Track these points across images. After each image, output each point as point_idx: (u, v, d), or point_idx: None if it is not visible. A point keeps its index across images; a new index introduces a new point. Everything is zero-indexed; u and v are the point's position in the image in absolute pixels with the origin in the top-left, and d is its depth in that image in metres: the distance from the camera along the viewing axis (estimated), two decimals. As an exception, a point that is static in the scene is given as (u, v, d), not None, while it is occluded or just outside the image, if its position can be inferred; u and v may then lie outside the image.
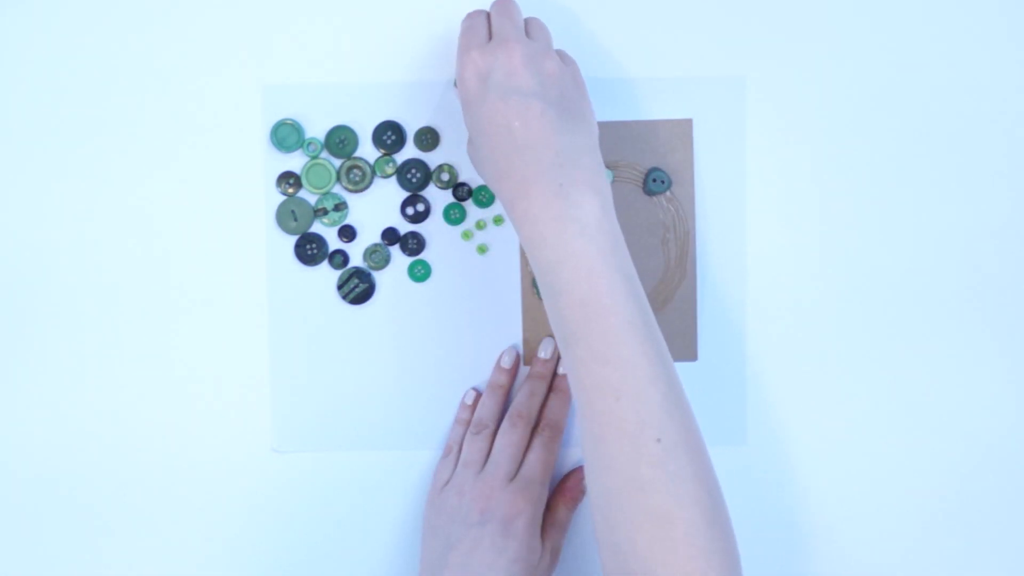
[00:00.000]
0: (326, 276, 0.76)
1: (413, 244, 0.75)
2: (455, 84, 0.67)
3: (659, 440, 0.60)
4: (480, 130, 0.65)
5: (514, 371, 0.76)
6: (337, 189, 0.75)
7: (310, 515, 0.77)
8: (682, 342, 0.75)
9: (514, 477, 0.72)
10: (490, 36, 0.67)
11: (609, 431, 0.61)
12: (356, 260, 0.75)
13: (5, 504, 0.76)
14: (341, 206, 0.75)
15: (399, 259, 0.76)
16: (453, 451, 0.75)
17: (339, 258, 0.75)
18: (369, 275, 0.75)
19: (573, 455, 0.76)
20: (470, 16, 0.69)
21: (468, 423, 0.75)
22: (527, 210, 0.63)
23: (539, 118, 0.64)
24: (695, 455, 0.61)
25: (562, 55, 0.70)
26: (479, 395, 0.76)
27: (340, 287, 0.75)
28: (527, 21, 0.69)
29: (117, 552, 0.77)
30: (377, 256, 0.75)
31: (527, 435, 0.74)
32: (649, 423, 0.60)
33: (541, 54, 0.66)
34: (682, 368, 0.75)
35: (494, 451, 0.73)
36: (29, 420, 0.76)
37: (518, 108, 0.64)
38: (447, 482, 0.73)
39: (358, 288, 0.75)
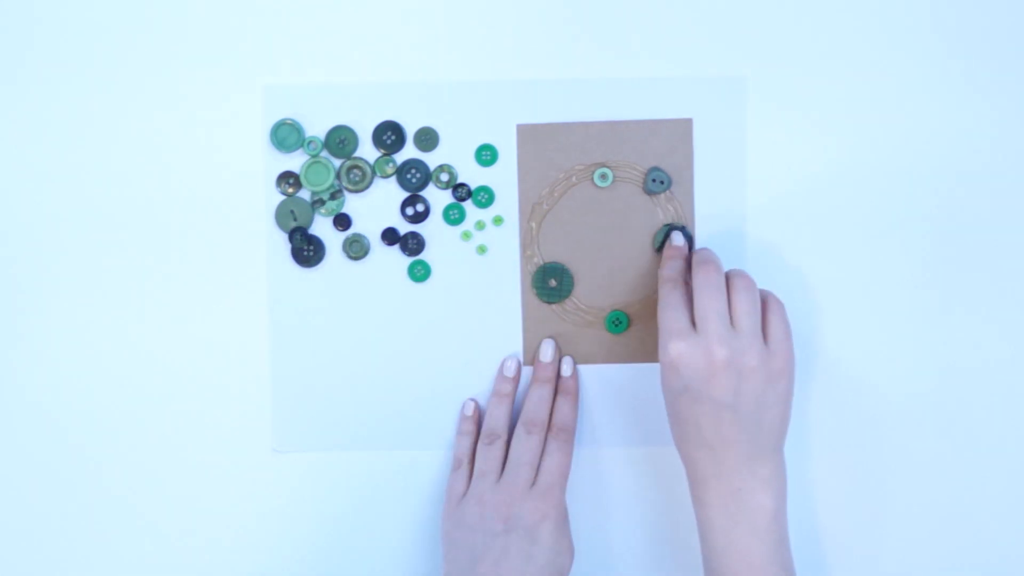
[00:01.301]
0: (326, 276, 0.76)
1: (413, 244, 0.75)
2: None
3: None
4: (671, 411, 0.67)
5: (517, 378, 0.76)
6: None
7: (310, 515, 0.77)
8: (682, 342, 0.75)
9: (533, 483, 0.72)
10: (691, 314, 0.66)
11: None
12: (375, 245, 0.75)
13: (5, 504, 0.76)
14: (337, 194, 0.75)
15: (399, 259, 0.76)
16: (463, 463, 0.75)
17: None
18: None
19: (586, 455, 0.76)
20: (668, 287, 0.68)
21: (472, 434, 0.75)
22: (703, 497, 0.67)
23: (728, 428, 0.65)
24: None
25: (769, 307, 0.68)
26: (477, 405, 0.76)
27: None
28: (730, 279, 0.67)
29: (117, 552, 0.77)
30: (356, 247, 0.75)
31: (541, 442, 0.74)
32: None
33: (744, 349, 0.65)
34: (682, 368, 0.75)
35: (511, 459, 0.73)
36: (28, 420, 0.76)
37: (709, 414, 0.65)
38: (463, 494, 0.73)
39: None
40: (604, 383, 0.76)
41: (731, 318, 0.66)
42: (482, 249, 0.76)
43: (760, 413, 0.66)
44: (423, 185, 0.75)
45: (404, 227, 0.75)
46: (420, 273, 0.75)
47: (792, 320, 0.75)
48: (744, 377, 0.65)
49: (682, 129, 0.75)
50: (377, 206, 0.75)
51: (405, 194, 0.75)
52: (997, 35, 0.74)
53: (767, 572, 0.65)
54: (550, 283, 0.76)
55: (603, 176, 0.75)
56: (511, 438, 0.74)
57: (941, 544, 0.76)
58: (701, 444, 0.66)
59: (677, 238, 0.73)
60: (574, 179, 0.75)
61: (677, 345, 0.65)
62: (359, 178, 0.75)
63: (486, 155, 0.75)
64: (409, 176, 0.75)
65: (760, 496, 0.66)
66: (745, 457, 0.66)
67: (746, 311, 0.66)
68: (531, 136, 0.75)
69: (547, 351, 0.75)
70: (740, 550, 0.66)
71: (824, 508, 0.76)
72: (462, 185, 0.75)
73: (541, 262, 0.76)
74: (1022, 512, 0.76)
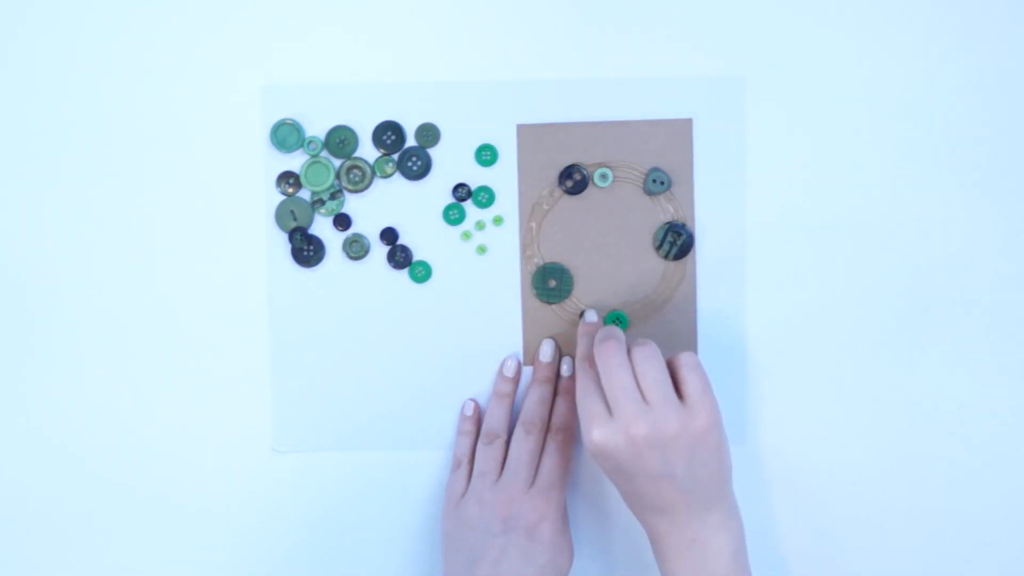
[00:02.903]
0: (326, 276, 0.76)
1: (401, 257, 0.75)
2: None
3: None
4: (614, 484, 0.68)
5: (517, 378, 0.76)
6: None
7: (310, 515, 0.77)
8: (682, 342, 0.75)
9: (533, 483, 0.72)
10: (606, 400, 0.66)
11: None
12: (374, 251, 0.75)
13: (5, 504, 0.76)
14: (337, 194, 0.75)
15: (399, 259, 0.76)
16: (463, 464, 0.75)
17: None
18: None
19: (586, 455, 0.76)
20: (582, 370, 0.69)
21: (471, 434, 0.75)
22: (663, 552, 0.68)
23: (668, 492, 0.66)
24: None
25: (680, 366, 0.67)
26: (477, 405, 0.76)
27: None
28: (632, 351, 0.67)
29: (117, 552, 0.77)
30: (356, 247, 0.75)
31: (541, 440, 0.74)
32: None
33: (662, 420, 0.65)
34: (682, 368, 0.75)
35: (510, 459, 0.73)
36: (29, 420, 0.76)
37: (647, 486, 0.66)
38: (463, 494, 0.73)
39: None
40: (604, 383, 0.76)
41: (641, 392, 0.66)
42: (482, 249, 0.76)
43: (696, 472, 0.66)
44: (424, 173, 0.75)
45: (403, 228, 0.75)
46: (420, 273, 0.75)
47: (792, 320, 0.75)
48: (669, 447, 0.65)
49: (682, 129, 0.75)
50: (377, 206, 0.75)
51: (408, 185, 0.75)
52: (997, 35, 0.74)
53: None
54: (550, 283, 0.76)
55: (603, 176, 0.75)
56: (511, 438, 0.74)
57: (940, 543, 0.76)
58: (649, 508, 0.67)
59: (590, 315, 0.74)
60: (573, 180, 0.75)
61: (597, 432, 0.66)
62: (359, 178, 0.75)
63: (486, 155, 0.75)
64: (411, 164, 0.75)
65: (715, 542, 0.67)
66: (695, 513, 0.67)
67: (653, 381, 0.66)
68: (531, 136, 0.75)
69: (547, 351, 0.75)
70: None
71: (824, 508, 0.76)
72: (462, 185, 0.75)
73: (541, 262, 0.76)
74: (1021, 514, 0.76)
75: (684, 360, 0.67)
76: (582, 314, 0.74)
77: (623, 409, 0.65)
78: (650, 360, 0.67)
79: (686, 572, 0.67)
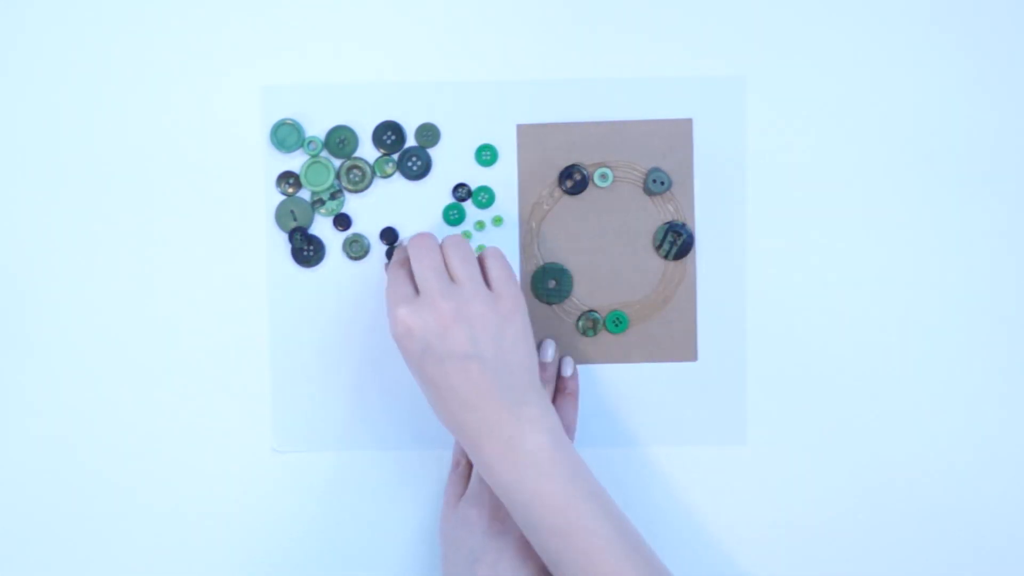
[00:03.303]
0: (326, 276, 0.76)
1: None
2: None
3: None
4: (424, 387, 0.68)
5: None
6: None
7: (310, 515, 0.77)
8: (682, 342, 0.75)
9: None
10: (415, 285, 0.68)
11: None
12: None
13: (5, 503, 0.76)
14: (337, 194, 0.75)
15: (399, 259, 0.76)
16: (462, 464, 0.74)
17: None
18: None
19: (586, 455, 0.76)
20: (391, 269, 0.70)
21: None
22: (485, 462, 0.66)
23: (479, 377, 0.66)
24: None
25: (486, 257, 0.69)
26: None
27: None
28: (443, 246, 0.69)
29: (117, 552, 0.77)
30: (356, 247, 0.75)
31: None
32: None
33: (468, 299, 0.66)
34: (682, 368, 0.75)
35: None
36: (29, 420, 0.76)
37: (457, 370, 0.66)
38: (461, 495, 0.73)
39: None
40: (604, 383, 0.76)
41: (449, 275, 0.68)
42: (482, 249, 0.76)
43: (504, 355, 0.66)
44: (425, 172, 0.75)
45: (404, 228, 0.75)
46: (420, 273, 0.75)
47: (792, 320, 0.75)
48: (476, 324, 0.66)
49: (682, 129, 0.75)
50: (377, 206, 0.75)
51: (408, 185, 0.75)
52: (998, 34, 0.74)
53: (575, 506, 0.64)
54: (550, 283, 0.76)
55: (603, 176, 0.75)
56: (510, 438, 0.74)
57: (940, 544, 0.76)
58: (461, 406, 0.66)
59: (403, 241, 0.75)
60: (573, 179, 0.75)
61: (404, 311, 0.66)
62: (359, 178, 0.75)
63: (486, 155, 0.75)
64: (411, 164, 0.75)
65: (533, 436, 0.65)
66: (505, 405, 0.65)
67: (460, 261, 0.68)
68: (531, 136, 0.75)
69: (547, 351, 0.75)
70: (539, 497, 0.65)
71: (824, 508, 0.76)
72: (462, 185, 0.75)
73: (541, 262, 0.76)
74: (1020, 514, 0.76)
75: (489, 251, 0.69)
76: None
77: (430, 285, 0.67)
78: (458, 246, 0.69)
79: (511, 475, 0.65)
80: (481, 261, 0.69)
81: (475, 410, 0.66)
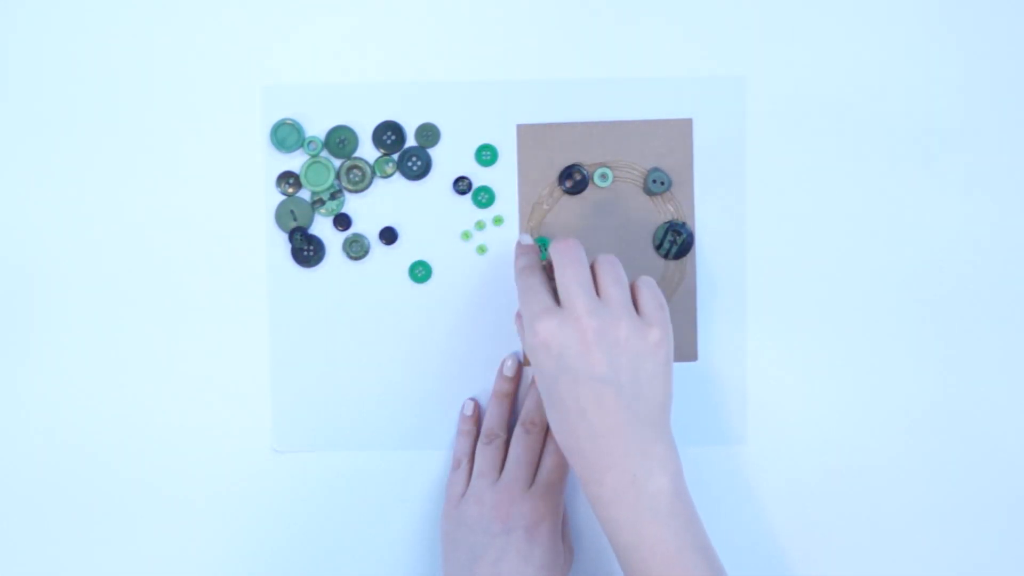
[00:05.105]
0: (326, 276, 0.76)
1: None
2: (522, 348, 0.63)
3: None
4: (553, 405, 0.64)
5: (517, 378, 0.75)
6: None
7: (310, 515, 0.77)
8: (682, 342, 0.75)
9: (532, 484, 0.72)
10: (555, 295, 0.64)
11: None
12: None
13: (5, 503, 0.76)
14: (337, 194, 0.75)
15: (399, 259, 0.75)
16: (463, 463, 0.74)
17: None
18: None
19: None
20: (525, 274, 0.66)
21: (471, 434, 0.75)
22: (600, 495, 0.63)
23: (613, 407, 0.62)
24: None
25: (639, 284, 0.65)
26: (477, 405, 0.76)
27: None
28: (594, 265, 0.65)
29: (117, 552, 0.77)
30: (356, 247, 0.75)
31: (541, 441, 0.74)
32: None
33: (614, 322, 0.63)
34: (682, 368, 0.75)
35: (510, 459, 0.73)
36: (29, 420, 0.76)
37: (590, 395, 0.62)
38: (462, 494, 0.73)
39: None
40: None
41: (597, 291, 0.64)
42: (482, 249, 0.76)
43: (641, 386, 0.63)
44: (425, 172, 0.75)
45: (402, 226, 0.75)
46: (420, 274, 0.75)
47: (792, 319, 0.75)
48: (619, 349, 0.63)
49: (682, 129, 0.75)
50: (377, 206, 0.75)
51: (408, 185, 0.75)
52: (998, 34, 0.74)
53: (684, 559, 0.62)
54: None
55: (603, 176, 0.75)
56: (511, 438, 0.74)
57: (940, 544, 0.76)
58: (588, 433, 0.63)
59: (525, 238, 0.72)
60: (574, 179, 0.75)
61: (545, 324, 0.63)
62: (359, 178, 0.75)
63: (486, 155, 0.75)
64: (411, 164, 0.75)
65: (657, 479, 0.62)
66: (635, 440, 0.62)
67: (612, 281, 0.64)
68: (531, 136, 0.75)
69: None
70: (649, 542, 0.62)
71: (824, 508, 0.76)
72: (463, 178, 0.75)
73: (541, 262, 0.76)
74: (1020, 514, 0.76)
75: (643, 280, 0.66)
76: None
77: (576, 300, 0.63)
78: (611, 264, 0.65)
79: (627, 514, 0.62)
80: (633, 287, 0.66)
81: (602, 438, 0.63)
